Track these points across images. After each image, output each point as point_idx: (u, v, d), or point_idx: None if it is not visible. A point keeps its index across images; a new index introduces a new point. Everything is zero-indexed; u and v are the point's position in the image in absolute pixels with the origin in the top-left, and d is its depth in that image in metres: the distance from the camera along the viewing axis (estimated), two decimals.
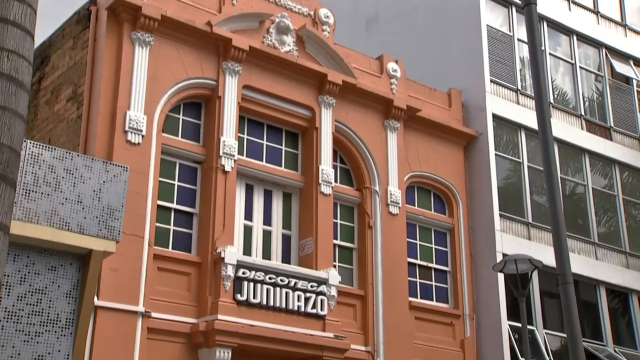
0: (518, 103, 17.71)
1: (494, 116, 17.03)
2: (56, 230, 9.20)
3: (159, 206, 12.47)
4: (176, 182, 13.00)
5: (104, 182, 9.78)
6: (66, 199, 9.37)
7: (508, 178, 17.29)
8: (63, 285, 9.31)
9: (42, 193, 9.22)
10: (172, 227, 12.73)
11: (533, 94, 10.99)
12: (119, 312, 11.31)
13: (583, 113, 19.01)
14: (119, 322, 11.27)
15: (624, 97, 20.18)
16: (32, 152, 9.29)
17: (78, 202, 9.47)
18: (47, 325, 9.09)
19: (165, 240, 12.59)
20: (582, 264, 16.76)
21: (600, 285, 17.59)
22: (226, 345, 11.91)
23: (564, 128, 18.18)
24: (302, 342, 12.67)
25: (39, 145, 9.42)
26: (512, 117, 17.37)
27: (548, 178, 8.18)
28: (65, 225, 9.31)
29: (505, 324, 15.33)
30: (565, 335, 14.21)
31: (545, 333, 15.99)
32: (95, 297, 10.74)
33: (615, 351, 16.92)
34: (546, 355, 15.56)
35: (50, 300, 9.18)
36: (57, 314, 9.20)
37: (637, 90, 20.43)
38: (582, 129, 18.95)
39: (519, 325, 13.63)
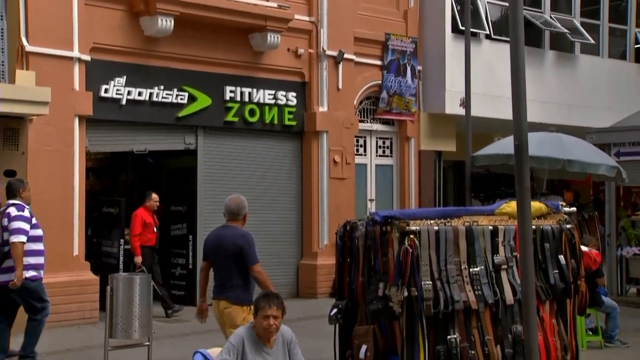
0: None
1: None
2: None
3: None
4: None
5: None
6: None
7: None
8: None
9: None
10: None
11: None
12: None
13: None
14: None
15: None
16: None
17: None
18: None
19: None
20: None
21: None
22: (168, 13, 11.75)
23: None
24: (245, 12, 12.54)
25: None
26: None
27: None
28: None
29: None
30: (506, 4, 14.36)
31: (487, 2, 16.13)
32: None
33: (551, 17, 17.33)
34: (486, 25, 15.90)
35: None
36: None
37: None
38: None
39: None
